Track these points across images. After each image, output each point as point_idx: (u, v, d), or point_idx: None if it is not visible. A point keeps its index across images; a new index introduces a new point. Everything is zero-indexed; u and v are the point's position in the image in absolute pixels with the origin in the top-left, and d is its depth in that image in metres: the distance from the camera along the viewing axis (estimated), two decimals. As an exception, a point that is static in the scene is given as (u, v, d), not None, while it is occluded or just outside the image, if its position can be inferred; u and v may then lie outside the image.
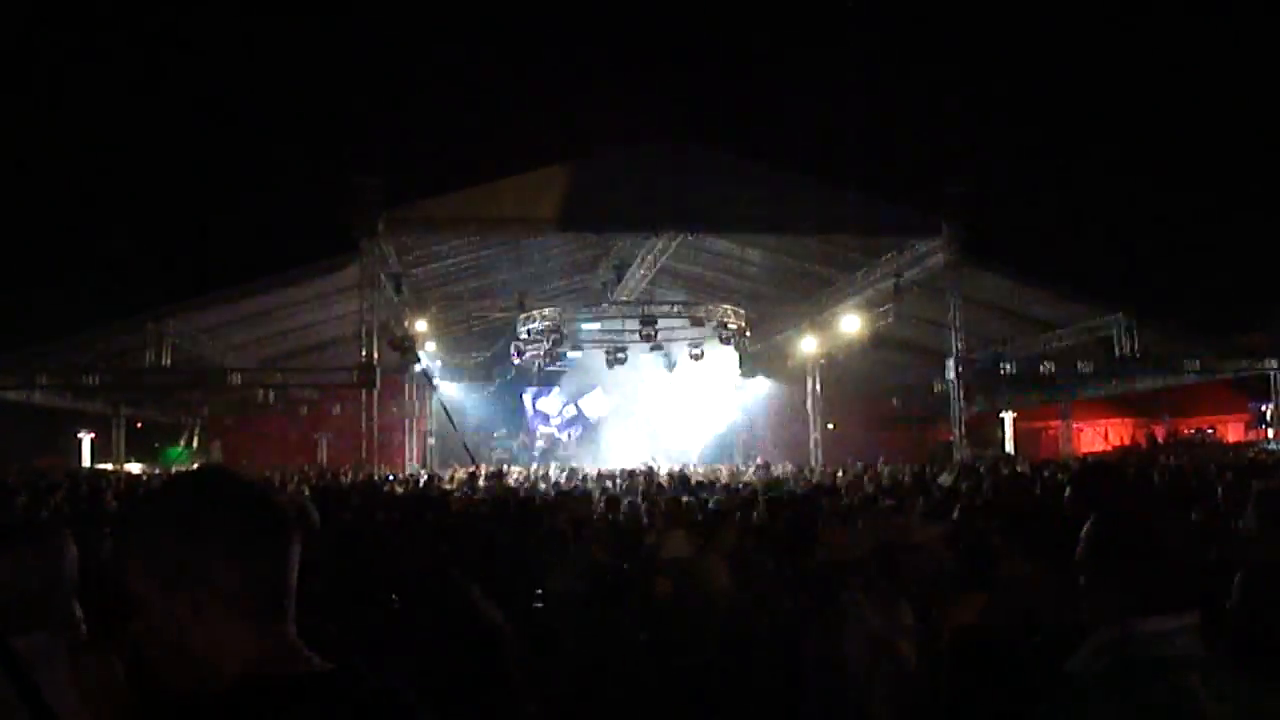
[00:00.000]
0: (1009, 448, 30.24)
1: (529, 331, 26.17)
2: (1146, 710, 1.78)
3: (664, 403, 31.99)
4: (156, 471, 24.59)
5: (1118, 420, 32.42)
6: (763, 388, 31.32)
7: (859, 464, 20.46)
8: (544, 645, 3.79)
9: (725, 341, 27.43)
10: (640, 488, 13.74)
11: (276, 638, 1.52)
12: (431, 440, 30.42)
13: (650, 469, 20.12)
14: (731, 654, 4.16)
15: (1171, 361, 23.74)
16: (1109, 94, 40.32)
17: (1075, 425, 33.08)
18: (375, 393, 20.81)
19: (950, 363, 22.07)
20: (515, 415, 33.34)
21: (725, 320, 26.43)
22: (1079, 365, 23.83)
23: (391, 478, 18.60)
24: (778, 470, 22.00)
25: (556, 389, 33.13)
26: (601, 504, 9.43)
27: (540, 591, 5.26)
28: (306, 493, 9.27)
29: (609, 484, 15.74)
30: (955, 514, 5.70)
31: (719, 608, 4.70)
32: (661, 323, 26.25)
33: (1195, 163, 37.23)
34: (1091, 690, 1.87)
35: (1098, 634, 1.92)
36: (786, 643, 4.25)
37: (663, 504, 8.61)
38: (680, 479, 14.67)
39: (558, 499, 9.27)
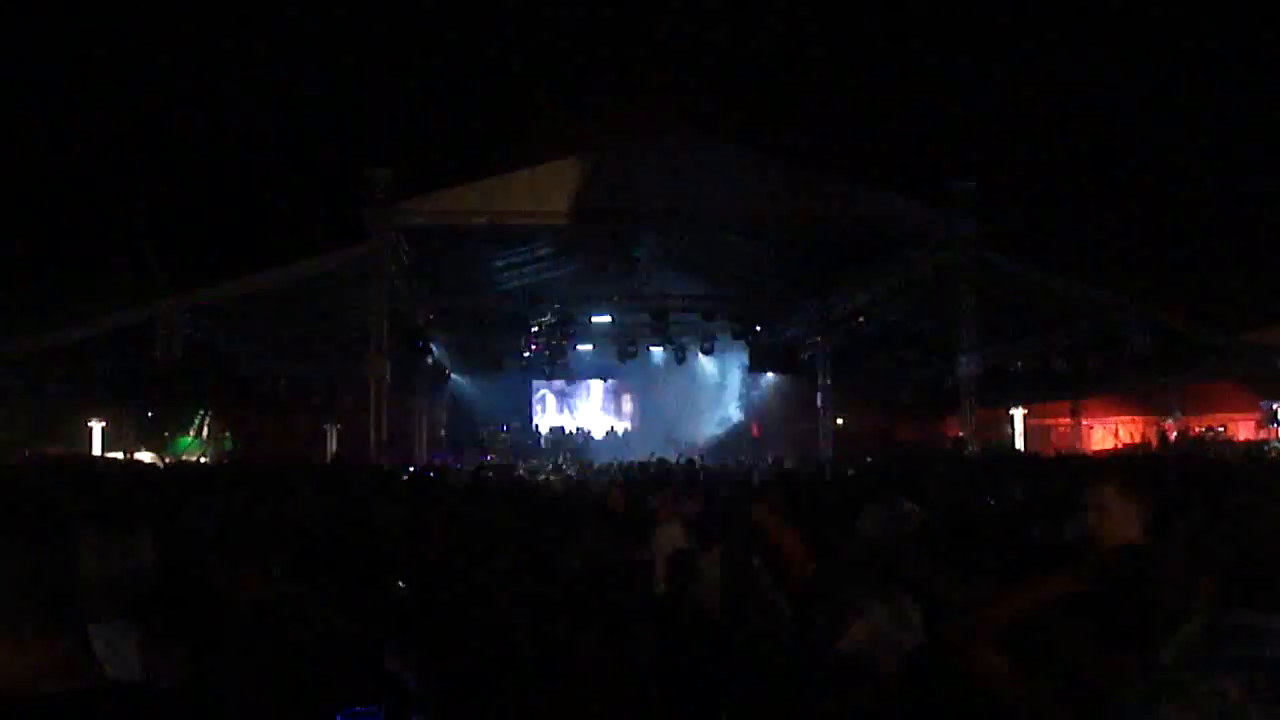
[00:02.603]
0: (1019, 444, 30.24)
1: (539, 324, 26.26)
2: (1222, 713, 1.73)
3: (674, 396, 32.09)
4: (167, 460, 24.77)
5: (1128, 418, 32.36)
6: (773, 381, 31.37)
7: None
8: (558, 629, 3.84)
9: (736, 335, 27.50)
10: (647, 478, 13.79)
11: (41, 653, 1.50)
12: (442, 431, 30.54)
13: (659, 461, 20.20)
14: (730, 649, 4.21)
15: (1184, 359, 23.68)
16: (1122, 84, 40.14)
17: (1085, 422, 33.04)
18: (385, 383, 20.88)
19: (961, 358, 22.08)
20: (525, 407, 33.43)
21: (736, 313, 26.52)
22: (1090, 362, 23.80)
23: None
24: (789, 465, 22.07)
25: (566, 381, 33.20)
26: (608, 495, 9.49)
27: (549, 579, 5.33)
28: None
29: (617, 476, 15.81)
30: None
31: (716, 600, 4.75)
32: (672, 316, 26.33)
33: (1211, 158, 37.12)
34: (1171, 685, 1.83)
35: (1184, 630, 1.89)
36: (787, 638, 4.29)
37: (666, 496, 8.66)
38: (687, 471, 14.73)
39: (566, 490, 9.33)
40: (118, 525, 2.36)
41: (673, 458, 22.52)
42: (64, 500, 1.69)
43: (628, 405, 34.16)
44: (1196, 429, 27.57)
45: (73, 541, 1.62)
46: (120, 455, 25.84)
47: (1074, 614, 3.13)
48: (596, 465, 24.54)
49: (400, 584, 4.30)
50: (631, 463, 21.66)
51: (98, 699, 1.54)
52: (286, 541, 3.55)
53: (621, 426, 33.44)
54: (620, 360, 28.79)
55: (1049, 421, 33.82)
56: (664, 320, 26.13)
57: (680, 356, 29.38)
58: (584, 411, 33.99)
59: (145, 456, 26.26)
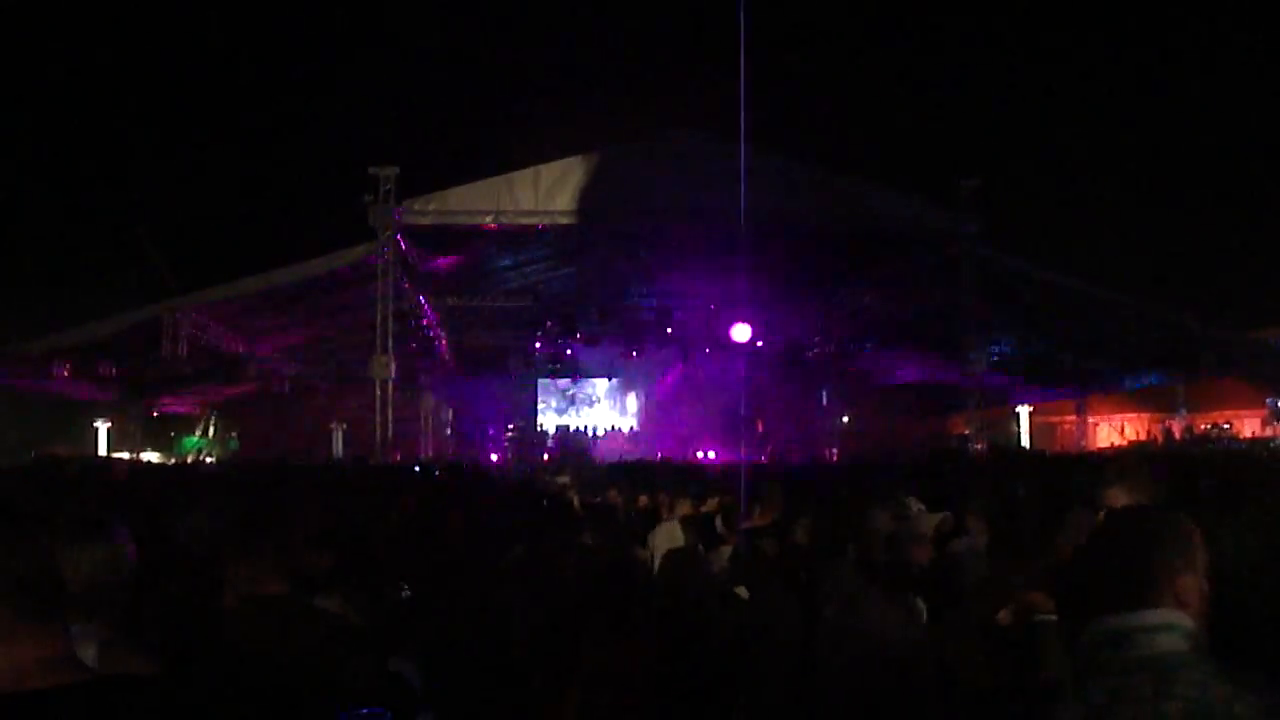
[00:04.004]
0: (1024, 441, 30.22)
1: (545, 322, 26.28)
2: (1109, 710, 1.77)
3: (678, 394, 32.07)
4: (173, 460, 24.81)
5: (1134, 415, 32.30)
6: (780, 378, 31.31)
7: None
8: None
9: (740, 334, 27.46)
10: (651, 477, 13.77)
11: (27, 651, 1.52)
12: (448, 431, 30.57)
13: (662, 458, 20.22)
14: (731, 648, 4.20)
15: (1190, 356, 23.66)
16: (1130, 81, 40.09)
17: (1091, 419, 32.98)
18: (391, 382, 20.91)
19: (966, 355, 22.06)
20: (530, 406, 33.39)
21: (741, 311, 26.45)
22: (1096, 359, 23.79)
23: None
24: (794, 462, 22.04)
25: (571, 380, 33.18)
26: (612, 494, 9.49)
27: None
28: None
29: (620, 474, 15.79)
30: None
31: (715, 600, 4.74)
32: (677, 314, 26.33)
33: (1217, 155, 37.04)
34: (1074, 685, 1.88)
35: (1089, 627, 1.92)
36: (791, 637, 4.28)
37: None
38: (690, 470, 14.71)
39: (570, 487, 9.33)
40: (97, 525, 2.37)
41: (677, 457, 22.51)
42: (45, 502, 1.70)
43: (632, 404, 34.12)
44: (1202, 426, 27.50)
45: (54, 542, 1.63)
46: (126, 455, 25.87)
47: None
48: (599, 463, 24.53)
49: (405, 585, 4.29)
50: (635, 462, 21.64)
51: (87, 692, 1.55)
52: (291, 540, 3.54)
53: (626, 425, 33.42)
54: (625, 359, 28.79)
55: (1054, 419, 33.76)
56: (668, 318, 26.13)
57: (685, 355, 29.35)
58: (588, 410, 33.95)
59: (152, 456, 26.30)
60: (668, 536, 6.57)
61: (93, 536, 2.29)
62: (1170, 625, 1.86)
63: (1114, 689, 1.79)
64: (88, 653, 1.95)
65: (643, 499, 9.43)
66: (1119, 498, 3.85)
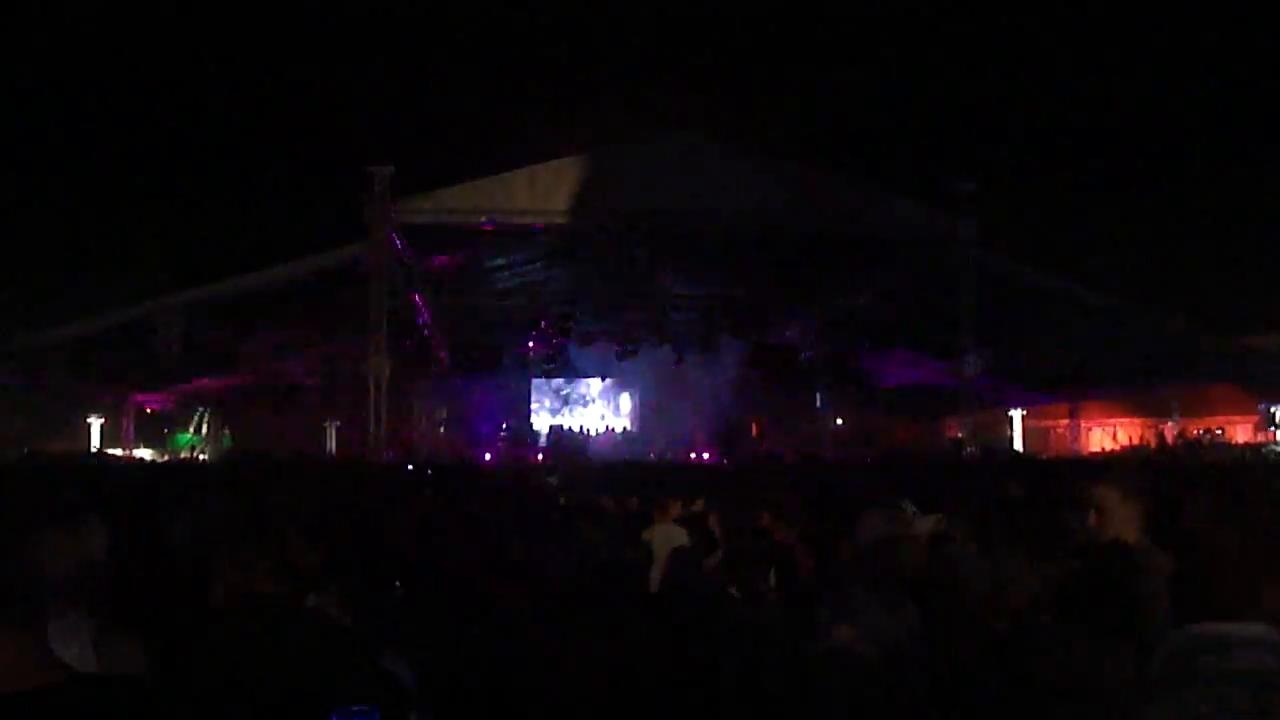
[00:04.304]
0: (1017, 445, 30.26)
1: (539, 322, 26.27)
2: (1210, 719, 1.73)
3: (673, 396, 32.09)
4: (166, 457, 24.77)
5: (1127, 420, 32.36)
6: (772, 380, 31.35)
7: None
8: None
9: (735, 335, 27.52)
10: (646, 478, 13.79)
11: (3, 650, 1.52)
12: (441, 430, 30.53)
13: (656, 459, 20.23)
14: (725, 650, 4.19)
15: (1183, 361, 23.73)
16: (1124, 84, 40.13)
17: (1084, 424, 33.04)
18: (385, 380, 20.89)
19: (961, 358, 22.10)
20: (524, 406, 33.37)
21: (736, 313, 26.53)
22: (1089, 364, 23.82)
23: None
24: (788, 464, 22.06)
25: (565, 380, 33.18)
26: (604, 495, 9.48)
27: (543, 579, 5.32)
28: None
29: (613, 474, 15.79)
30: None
31: (712, 600, 4.74)
32: (672, 315, 26.35)
33: (1212, 159, 37.09)
34: (1146, 696, 1.83)
35: (1182, 632, 1.88)
36: (786, 641, 4.28)
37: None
38: (683, 470, 14.73)
39: (564, 488, 9.32)
40: (71, 508, 2.35)
41: (671, 458, 22.53)
42: (31, 499, 1.70)
43: (626, 405, 34.13)
44: (1195, 431, 27.58)
45: (29, 537, 1.63)
46: (119, 452, 25.83)
47: (1066, 611, 3.13)
48: (592, 463, 24.52)
49: (398, 582, 4.28)
50: (627, 462, 21.65)
51: (66, 692, 1.54)
52: (283, 538, 3.53)
53: (620, 426, 33.42)
54: (619, 359, 28.79)
55: (1048, 423, 33.82)
56: (663, 319, 26.15)
57: (680, 356, 29.37)
58: (582, 411, 33.95)
59: (145, 453, 26.27)
60: (664, 537, 6.57)
61: (68, 520, 2.28)
62: (1264, 640, 1.83)
63: (1218, 696, 1.75)
64: (74, 650, 1.94)
65: (634, 500, 9.43)
66: (1110, 498, 3.87)
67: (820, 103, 38.43)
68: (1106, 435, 32.41)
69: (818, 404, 29.82)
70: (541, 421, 33.12)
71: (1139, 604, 2.90)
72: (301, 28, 43.56)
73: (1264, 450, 23.45)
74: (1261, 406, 27.19)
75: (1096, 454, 27.42)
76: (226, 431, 30.93)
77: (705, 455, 28.94)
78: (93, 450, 26.01)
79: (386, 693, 2.93)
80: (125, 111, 38.47)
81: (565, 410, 33.80)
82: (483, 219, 20.57)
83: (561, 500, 9.14)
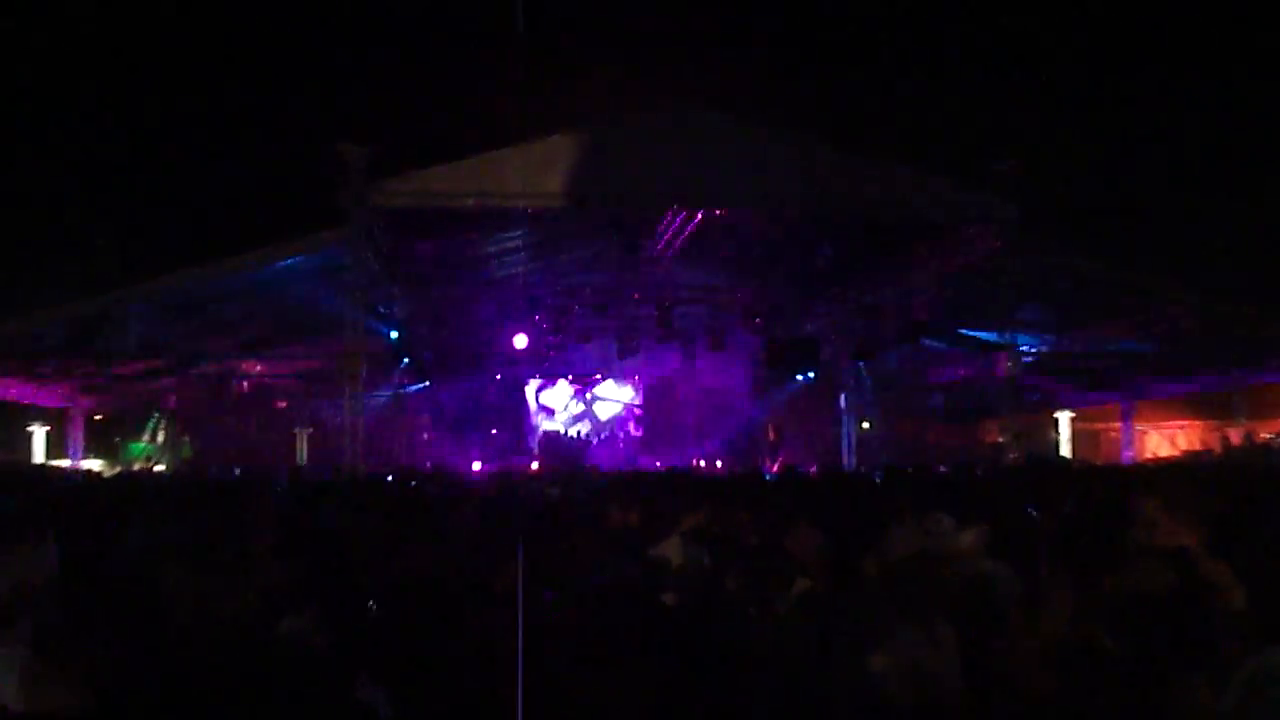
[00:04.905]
0: (1065, 450, 30.21)
1: (534, 318, 26.24)
2: None
3: (680, 396, 32.09)
4: (118, 469, 24.76)
5: (1186, 422, 32.30)
6: (791, 381, 31.32)
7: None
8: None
9: (750, 330, 27.47)
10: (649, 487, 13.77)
11: None
12: (425, 436, 30.54)
13: (664, 469, 20.22)
14: (743, 672, 4.18)
15: (1249, 357, 23.65)
16: (1182, 61, 40.01)
17: (1139, 427, 32.97)
18: (362, 383, 20.83)
19: (1001, 357, 22.03)
20: (518, 410, 33.35)
21: (750, 306, 26.47)
22: (1145, 362, 23.75)
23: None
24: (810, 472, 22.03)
25: (563, 381, 33.16)
26: (606, 505, 9.47)
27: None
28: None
29: (617, 484, 15.78)
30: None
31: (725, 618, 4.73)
32: (679, 308, 26.29)
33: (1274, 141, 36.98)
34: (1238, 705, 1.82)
35: (1243, 666, 1.88)
36: (809, 664, 4.26)
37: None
38: (693, 482, 14.71)
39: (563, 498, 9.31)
40: (21, 524, 2.35)
41: (679, 464, 22.52)
42: None
43: (628, 407, 34.10)
44: (1263, 434, 27.45)
45: None
46: (65, 463, 25.84)
47: (1127, 626, 3.10)
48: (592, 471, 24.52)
49: (372, 604, 4.27)
50: (633, 474, 21.64)
51: None
52: (248, 559, 3.52)
53: (620, 429, 33.41)
54: (620, 358, 28.77)
55: (1099, 426, 33.75)
56: (670, 313, 26.10)
57: (688, 353, 29.33)
58: (581, 412, 33.92)
59: (94, 464, 26.27)
60: (676, 552, 6.56)
61: (17, 537, 2.28)
62: None
63: None
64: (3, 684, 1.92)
65: (640, 513, 9.41)
66: (1168, 510, 3.86)
67: (843, 74, 38.42)
68: (1164, 439, 32.34)
69: (841, 405, 29.74)
70: (536, 425, 33.11)
71: (1208, 627, 2.87)
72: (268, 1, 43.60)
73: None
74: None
75: (1153, 460, 27.33)
76: (186, 440, 30.93)
77: (718, 463, 28.94)
78: (35, 462, 26.01)
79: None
80: (80, 93, 38.54)
81: (562, 413, 33.78)
82: (469, 202, 20.51)
83: (559, 514, 9.14)
